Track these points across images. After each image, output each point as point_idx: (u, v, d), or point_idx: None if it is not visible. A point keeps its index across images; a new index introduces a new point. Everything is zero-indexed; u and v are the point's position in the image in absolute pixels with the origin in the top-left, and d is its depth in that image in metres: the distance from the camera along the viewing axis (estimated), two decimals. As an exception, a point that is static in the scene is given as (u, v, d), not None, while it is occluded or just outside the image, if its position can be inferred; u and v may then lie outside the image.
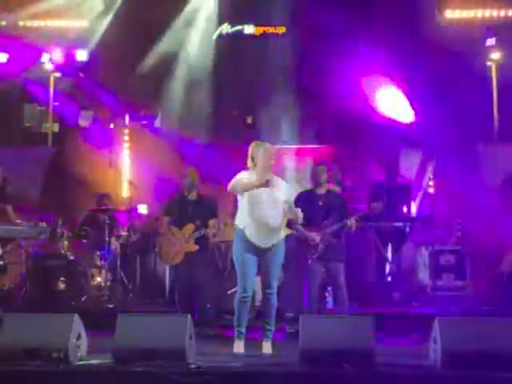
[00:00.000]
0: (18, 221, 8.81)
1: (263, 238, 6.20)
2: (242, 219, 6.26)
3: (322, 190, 7.45)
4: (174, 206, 8.11)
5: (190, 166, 8.61)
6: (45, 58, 10.92)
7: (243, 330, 6.30)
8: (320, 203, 7.37)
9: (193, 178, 8.10)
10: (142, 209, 10.32)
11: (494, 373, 4.94)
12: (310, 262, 7.25)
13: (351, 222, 7.26)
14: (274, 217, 6.20)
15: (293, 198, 6.65)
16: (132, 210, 9.83)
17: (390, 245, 9.14)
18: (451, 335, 5.16)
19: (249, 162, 6.30)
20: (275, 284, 6.29)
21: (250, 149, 6.31)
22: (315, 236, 7.21)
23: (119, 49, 10.74)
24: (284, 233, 8.52)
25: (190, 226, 7.86)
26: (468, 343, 5.09)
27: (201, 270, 7.74)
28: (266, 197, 6.14)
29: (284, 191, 6.29)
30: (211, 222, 7.80)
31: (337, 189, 8.44)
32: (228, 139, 10.46)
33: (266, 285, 6.28)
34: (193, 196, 8.07)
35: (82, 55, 11.11)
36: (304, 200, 7.43)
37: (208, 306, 7.95)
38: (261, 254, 6.22)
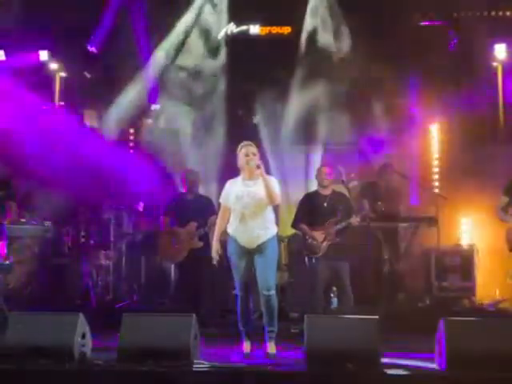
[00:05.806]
0: (23, 219, 8.82)
1: (249, 239, 6.16)
2: (230, 222, 6.29)
3: (326, 191, 7.44)
4: (175, 206, 8.29)
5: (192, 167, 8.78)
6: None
7: (247, 329, 6.30)
8: (325, 204, 7.37)
9: (194, 178, 8.32)
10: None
11: (499, 373, 4.93)
12: (313, 261, 7.26)
13: (354, 220, 7.28)
14: (257, 219, 6.14)
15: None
16: (136, 210, 9.85)
17: (394, 245, 9.10)
18: (457, 336, 5.15)
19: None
20: (272, 284, 6.18)
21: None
22: (319, 235, 7.23)
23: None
24: (289, 233, 8.56)
25: (193, 224, 8.03)
26: (473, 344, 5.08)
27: (206, 266, 7.75)
28: (249, 199, 6.11)
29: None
30: (212, 219, 7.85)
31: (342, 189, 8.42)
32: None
33: (262, 286, 6.19)
34: (192, 196, 8.27)
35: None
36: (309, 201, 7.44)
37: (213, 304, 8.01)
38: (251, 255, 6.20)
